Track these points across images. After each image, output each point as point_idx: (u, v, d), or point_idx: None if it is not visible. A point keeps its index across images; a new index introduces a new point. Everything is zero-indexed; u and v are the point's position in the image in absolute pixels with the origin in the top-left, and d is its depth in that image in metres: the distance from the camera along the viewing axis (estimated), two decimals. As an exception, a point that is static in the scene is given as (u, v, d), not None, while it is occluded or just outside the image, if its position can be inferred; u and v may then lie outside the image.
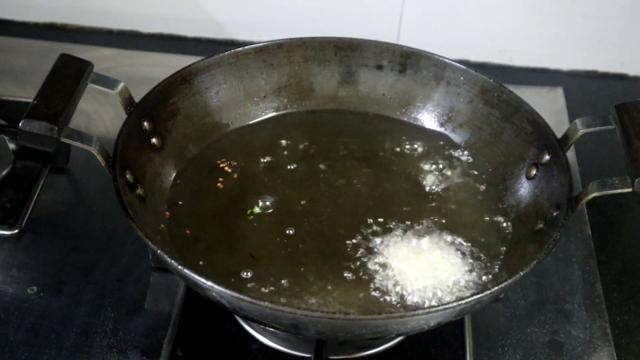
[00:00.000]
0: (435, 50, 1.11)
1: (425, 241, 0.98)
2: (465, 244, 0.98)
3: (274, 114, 1.14)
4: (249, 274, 0.94)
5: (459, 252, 0.97)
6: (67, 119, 0.93)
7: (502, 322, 1.02)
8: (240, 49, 1.10)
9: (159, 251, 0.85)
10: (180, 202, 1.02)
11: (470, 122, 1.10)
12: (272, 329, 0.93)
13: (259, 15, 1.42)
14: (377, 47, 1.12)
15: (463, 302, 0.82)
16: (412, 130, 1.13)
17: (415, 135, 1.12)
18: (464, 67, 1.09)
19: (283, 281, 0.93)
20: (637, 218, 1.19)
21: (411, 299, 0.91)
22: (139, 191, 0.97)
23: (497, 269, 0.95)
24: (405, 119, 1.14)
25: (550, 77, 1.42)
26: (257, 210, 1.02)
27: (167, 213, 1.00)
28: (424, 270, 0.94)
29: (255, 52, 1.11)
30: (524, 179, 1.03)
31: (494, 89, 1.07)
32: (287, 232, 0.99)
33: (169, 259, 0.84)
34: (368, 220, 1.00)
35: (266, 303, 0.81)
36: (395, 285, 0.93)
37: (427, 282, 0.93)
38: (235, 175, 1.06)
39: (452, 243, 0.98)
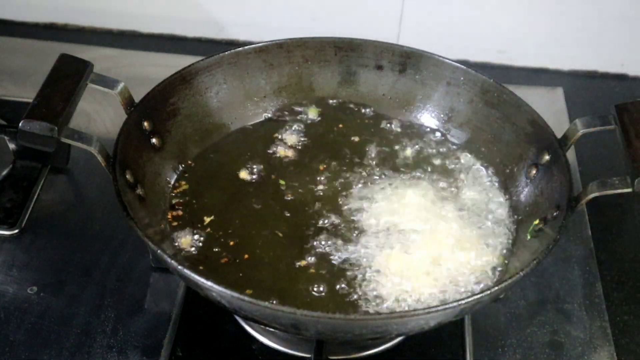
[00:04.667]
0: (435, 50, 1.11)
1: (424, 241, 0.97)
2: (465, 244, 0.98)
3: (274, 114, 1.14)
4: (246, 271, 0.94)
5: (459, 252, 0.97)
6: (67, 119, 0.93)
7: (502, 322, 1.02)
8: (240, 49, 1.10)
9: (158, 251, 0.85)
10: (180, 201, 1.02)
11: (470, 122, 1.10)
12: (272, 329, 0.93)
13: (259, 15, 1.42)
14: (377, 47, 1.12)
15: (463, 302, 0.82)
16: (412, 130, 1.13)
17: (415, 136, 1.12)
18: (464, 67, 1.09)
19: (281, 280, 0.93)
20: (637, 218, 1.19)
21: (409, 299, 0.92)
22: (139, 191, 0.97)
23: (497, 269, 0.95)
24: (405, 119, 1.14)
25: (550, 77, 1.42)
26: (257, 207, 1.02)
27: (169, 213, 1.00)
28: (424, 271, 0.94)
29: (255, 52, 1.11)
30: (524, 179, 1.03)
31: (494, 89, 1.07)
32: (287, 228, 0.99)
33: (169, 259, 0.84)
34: (365, 220, 1.00)
35: (266, 303, 0.81)
36: (391, 287, 0.93)
37: (427, 282, 0.93)
38: (235, 175, 1.06)
39: (452, 243, 0.97)
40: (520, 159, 1.04)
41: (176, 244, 0.97)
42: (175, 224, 0.99)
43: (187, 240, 0.97)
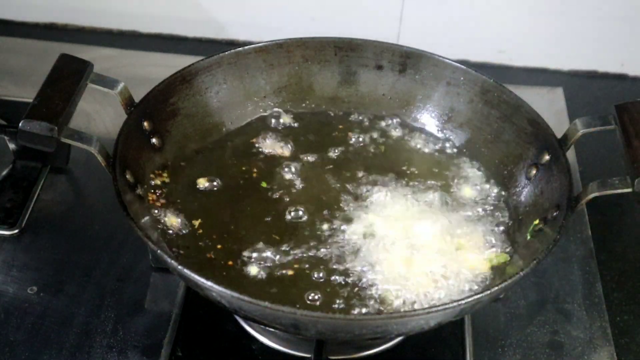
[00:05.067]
0: (435, 50, 1.11)
1: (424, 241, 0.98)
2: (464, 244, 0.98)
3: (274, 114, 1.14)
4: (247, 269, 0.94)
5: (458, 252, 0.97)
6: (67, 119, 0.93)
7: (502, 322, 1.02)
8: (240, 49, 1.10)
9: (159, 251, 0.85)
10: (180, 200, 1.02)
11: (470, 122, 1.10)
12: (272, 329, 0.93)
13: (259, 16, 1.42)
14: (377, 47, 1.12)
15: (463, 302, 0.82)
16: (411, 130, 1.13)
17: (415, 136, 1.12)
18: (464, 67, 1.09)
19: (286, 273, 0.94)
20: (637, 218, 1.19)
21: (408, 300, 0.92)
22: (139, 191, 0.97)
23: (497, 269, 0.95)
24: (405, 119, 1.14)
25: (550, 77, 1.42)
26: (256, 206, 1.02)
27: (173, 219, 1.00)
28: (423, 271, 0.94)
29: (255, 52, 1.11)
30: (524, 179, 1.03)
31: (494, 89, 1.07)
32: (285, 230, 0.99)
33: (169, 259, 0.84)
34: (363, 221, 1.00)
35: (266, 303, 0.81)
36: (390, 287, 0.93)
37: (427, 282, 0.93)
38: (234, 174, 1.06)
39: (452, 243, 0.97)
40: (520, 159, 1.04)
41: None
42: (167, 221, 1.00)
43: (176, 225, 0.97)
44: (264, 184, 1.05)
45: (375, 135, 1.12)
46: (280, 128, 1.12)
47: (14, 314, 1.00)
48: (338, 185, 1.05)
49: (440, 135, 1.12)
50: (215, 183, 1.04)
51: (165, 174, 1.03)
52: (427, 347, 0.98)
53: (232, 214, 1.01)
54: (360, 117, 1.14)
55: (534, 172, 1.01)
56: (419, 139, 1.12)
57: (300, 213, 1.01)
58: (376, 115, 1.14)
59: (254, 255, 0.96)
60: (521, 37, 1.40)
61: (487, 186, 1.05)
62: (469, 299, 0.83)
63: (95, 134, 0.95)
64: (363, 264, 0.95)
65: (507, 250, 0.97)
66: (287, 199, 1.03)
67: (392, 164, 1.08)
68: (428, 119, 1.13)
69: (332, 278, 0.94)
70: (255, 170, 1.07)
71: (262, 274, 0.94)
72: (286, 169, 1.07)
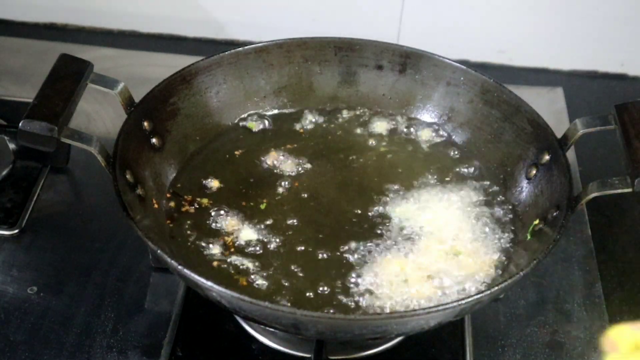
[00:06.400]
0: (435, 51, 1.11)
1: (424, 241, 0.98)
2: (465, 244, 0.98)
3: (274, 114, 1.14)
4: (249, 266, 0.94)
5: (459, 252, 0.97)
6: (67, 119, 0.93)
7: (502, 322, 1.02)
8: (240, 49, 1.10)
9: (159, 251, 0.85)
10: (180, 201, 1.02)
11: (470, 122, 1.10)
12: (272, 329, 0.93)
13: (259, 16, 1.42)
14: (377, 47, 1.12)
15: (463, 302, 0.82)
16: (411, 130, 1.13)
17: (415, 136, 1.12)
18: (464, 67, 1.09)
19: (284, 282, 0.93)
20: (637, 218, 1.19)
21: (409, 300, 0.92)
22: (139, 191, 0.97)
23: (497, 269, 0.95)
24: (405, 119, 1.14)
25: (550, 77, 1.42)
26: (256, 205, 1.02)
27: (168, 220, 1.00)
28: (423, 272, 0.94)
29: (255, 52, 1.11)
30: (524, 179, 1.03)
31: (494, 89, 1.07)
32: (288, 227, 0.99)
33: (169, 259, 0.84)
34: (363, 223, 1.00)
35: (266, 303, 0.81)
36: (391, 287, 0.93)
37: (427, 283, 0.93)
38: (235, 174, 1.06)
39: (452, 243, 0.97)
40: (520, 159, 1.04)
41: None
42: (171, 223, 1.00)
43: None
44: (261, 198, 1.04)
45: (375, 135, 1.12)
46: (279, 128, 1.12)
47: (14, 314, 1.00)
48: (338, 185, 1.05)
49: (440, 135, 1.12)
50: (214, 183, 1.05)
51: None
52: (427, 347, 0.98)
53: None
54: (360, 118, 1.14)
55: (534, 172, 1.01)
56: (418, 139, 1.12)
57: (298, 214, 1.01)
58: (376, 116, 1.14)
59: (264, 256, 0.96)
60: (521, 37, 1.40)
61: (487, 186, 1.05)
62: (469, 299, 0.83)
63: (95, 134, 0.95)
64: (363, 265, 0.95)
65: (507, 250, 0.97)
66: (286, 200, 1.03)
67: (392, 165, 1.08)
68: (428, 119, 1.13)
69: (332, 277, 0.94)
70: (255, 170, 1.07)
71: (259, 275, 0.94)
72: (285, 169, 1.07)
